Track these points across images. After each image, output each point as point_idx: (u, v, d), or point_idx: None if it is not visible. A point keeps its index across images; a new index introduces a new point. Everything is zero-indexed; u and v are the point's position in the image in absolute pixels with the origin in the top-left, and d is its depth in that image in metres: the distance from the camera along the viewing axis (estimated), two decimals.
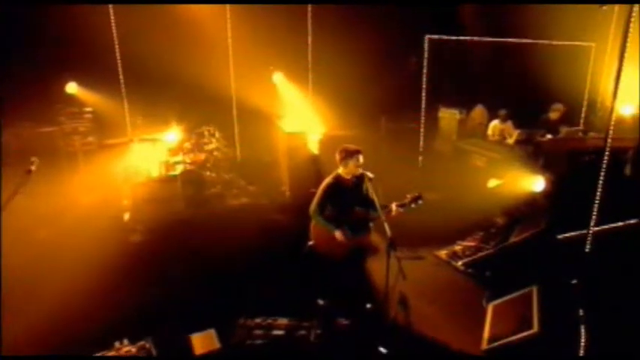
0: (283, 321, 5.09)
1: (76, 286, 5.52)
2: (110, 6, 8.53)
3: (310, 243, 5.12)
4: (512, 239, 6.43)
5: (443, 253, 6.59)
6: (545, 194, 6.81)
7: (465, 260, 6.33)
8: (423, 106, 8.93)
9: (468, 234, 7.01)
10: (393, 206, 4.92)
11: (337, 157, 4.97)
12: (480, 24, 8.96)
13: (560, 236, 6.25)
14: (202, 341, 4.86)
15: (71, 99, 8.47)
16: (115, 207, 7.53)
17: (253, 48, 9.38)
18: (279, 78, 9.92)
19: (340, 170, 4.98)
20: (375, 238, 5.26)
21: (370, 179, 4.78)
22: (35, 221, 6.86)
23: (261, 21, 9.14)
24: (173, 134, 8.46)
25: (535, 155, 7.92)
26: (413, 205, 5.02)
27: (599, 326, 4.65)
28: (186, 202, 7.51)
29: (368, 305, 5.33)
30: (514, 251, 6.14)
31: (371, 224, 5.05)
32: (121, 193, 7.55)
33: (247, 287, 5.70)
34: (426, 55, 8.64)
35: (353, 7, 9.46)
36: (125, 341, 4.77)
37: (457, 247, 6.67)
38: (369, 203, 4.88)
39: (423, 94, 8.85)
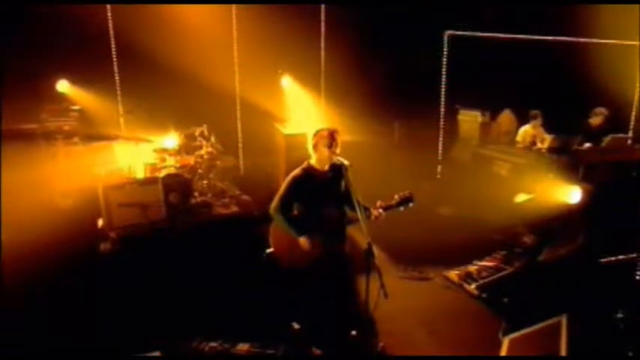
0: (244, 346, 4.25)
1: (22, 297, 4.91)
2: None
3: (269, 250, 4.16)
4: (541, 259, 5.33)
5: (454, 274, 5.49)
6: (582, 207, 5.65)
7: (480, 282, 5.20)
8: (442, 109, 7.89)
9: (487, 254, 5.89)
10: (373, 210, 3.97)
11: (311, 143, 4.06)
12: (509, 19, 7.94)
13: (603, 259, 5.17)
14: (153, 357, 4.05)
15: (61, 97, 7.99)
16: (90, 211, 6.82)
17: (260, 50, 8.75)
18: (287, 81, 9.19)
19: (312, 160, 4.06)
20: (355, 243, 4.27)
21: (346, 168, 3.83)
22: None
23: (269, 22, 8.51)
24: (171, 139, 7.80)
25: (572, 166, 6.78)
26: (401, 208, 4.07)
27: None
28: (167, 209, 6.70)
29: (353, 332, 4.29)
30: (541, 272, 5.02)
31: (348, 228, 4.07)
32: (98, 196, 6.84)
33: (217, 305, 4.85)
34: (445, 52, 7.67)
35: (367, 5, 8.70)
36: None
37: (472, 268, 5.56)
38: (347, 202, 3.93)
39: (442, 96, 7.83)
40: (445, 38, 7.73)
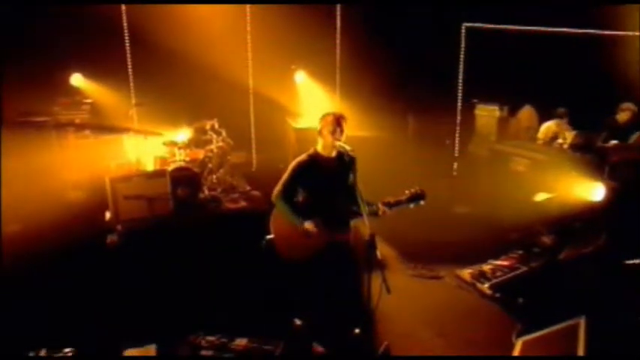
0: (242, 341, 4.10)
1: (24, 286, 4.86)
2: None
3: (269, 237, 3.97)
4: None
5: (466, 273, 5.24)
6: (606, 205, 5.33)
7: (494, 282, 4.93)
8: (459, 104, 7.59)
9: (504, 253, 5.61)
10: (380, 205, 3.78)
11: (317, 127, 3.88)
12: (530, 10, 7.59)
13: (627, 261, 4.86)
14: (137, 357, 3.93)
15: (75, 91, 8.04)
16: (99, 204, 6.77)
17: (274, 45, 8.63)
18: (301, 76, 9.05)
19: (318, 146, 3.88)
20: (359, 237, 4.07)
21: (349, 156, 3.63)
22: (8, 215, 6.21)
23: (284, 16, 8.39)
24: (183, 133, 7.74)
25: (596, 164, 6.44)
26: (412, 205, 3.86)
27: None
28: (175, 203, 6.60)
29: (356, 330, 4.08)
30: (560, 272, 4.72)
31: (352, 220, 3.88)
32: (107, 189, 6.79)
33: (219, 299, 4.74)
34: (463, 45, 7.38)
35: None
36: (42, 351, 3.94)
37: (486, 267, 5.29)
38: (352, 194, 3.72)
39: (459, 90, 7.53)
40: (462, 30, 7.44)
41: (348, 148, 3.65)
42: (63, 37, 7.71)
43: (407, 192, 3.88)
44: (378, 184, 4.22)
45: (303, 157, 3.86)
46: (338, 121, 3.73)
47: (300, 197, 3.89)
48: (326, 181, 3.81)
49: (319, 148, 3.87)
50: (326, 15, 9.02)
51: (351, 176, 3.74)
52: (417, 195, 3.87)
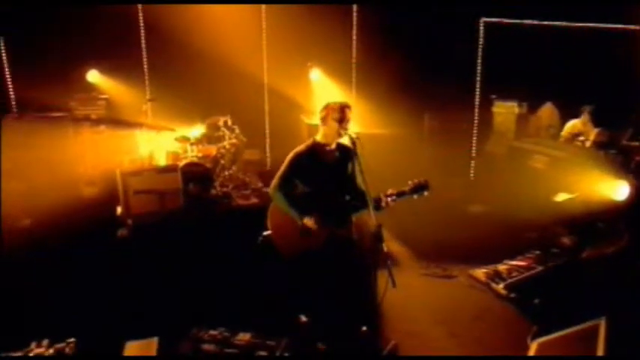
0: (245, 336, 4.01)
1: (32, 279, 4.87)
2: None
3: (266, 233, 3.85)
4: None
5: (481, 272, 5.05)
6: (630, 204, 5.08)
7: (510, 282, 4.73)
8: (477, 101, 7.36)
9: (520, 253, 5.41)
10: (383, 196, 3.63)
11: (319, 116, 3.77)
12: (551, 4, 7.35)
13: None
14: (137, 350, 3.82)
15: (91, 87, 8.11)
16: (111, 199, 6.77)
17: (290, 44, 8.55)
18: (316, 74, 8.95)
19: (318, 136, 3.76)
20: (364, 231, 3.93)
21: (355, 141, 3.49)
22: (20, 209, 6.34)
23: (300, 13, 8.31)
24: (197, 130, 7.73)
25: (621, 162, 6.19)
26: (415, 196, 3.72)
27: None
28: (185, 198, 6.56)
29: (363, 328, 3.94)
30: (579, 271, 4.50)
31: (354, 214, 3.75)
32: (118, 182, 6.78)
33: (225, 294, 4.65)
34: (481, 41, 7.17)
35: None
36: (44, 342, 3.90)
37: (501, 267, 5.10)
38: (353, 186, 3.63)
39: (477, 87, 7.31)
40: (481, 26, 7.23)
41: (354, 135, 3.52)
42: (80, 35, 7.78)
43: (410, 182, 3.74)
44: (393, 182, 4.09)
45: (301, 147, 3.74)
46: (343, 110, 3.63)
47: (298, 190, 3.75)
48: (326, 173, 3.69)
49: (319, 137, 3.76)
50: (342, 13, 8.92)
51: (350, 166, 3.64)
52: (421, 185, 3.72)
